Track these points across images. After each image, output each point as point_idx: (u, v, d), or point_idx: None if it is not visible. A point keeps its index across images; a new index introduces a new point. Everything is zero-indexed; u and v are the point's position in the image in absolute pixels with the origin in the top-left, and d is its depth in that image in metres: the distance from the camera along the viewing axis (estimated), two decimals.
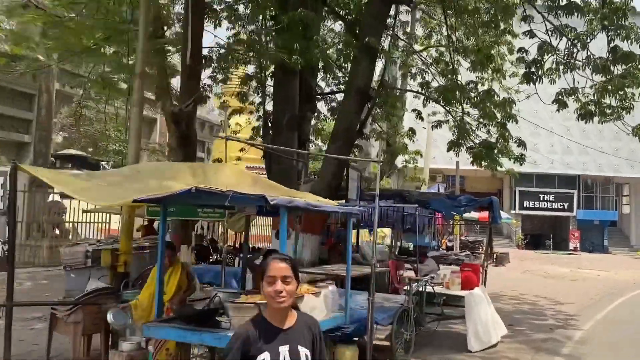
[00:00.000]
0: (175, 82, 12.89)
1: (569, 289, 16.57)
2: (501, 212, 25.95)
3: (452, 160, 37.36)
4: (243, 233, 16.60)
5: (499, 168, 13.36)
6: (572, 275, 21.08)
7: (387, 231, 22.78)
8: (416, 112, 14.41)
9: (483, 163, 12.21)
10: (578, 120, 10.26)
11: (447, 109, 12.99)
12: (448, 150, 13.67)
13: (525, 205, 37.75)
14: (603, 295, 15.21)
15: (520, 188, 37.89)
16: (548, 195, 37.80)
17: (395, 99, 12.96)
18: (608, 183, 39.19)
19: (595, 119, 10.46)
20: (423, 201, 11.93)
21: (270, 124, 12.19)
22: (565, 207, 37.76)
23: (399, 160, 32.17)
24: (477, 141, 13.19)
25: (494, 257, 24.87)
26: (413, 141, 16.81)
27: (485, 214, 24.43)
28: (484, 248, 27.94)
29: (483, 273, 12.47)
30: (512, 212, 37.81)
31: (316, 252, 11.82)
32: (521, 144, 12.94)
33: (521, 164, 13.28)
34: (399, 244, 21.92)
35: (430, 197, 12.00)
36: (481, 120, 12.55)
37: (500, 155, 13.52)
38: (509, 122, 12.54)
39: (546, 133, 37.50)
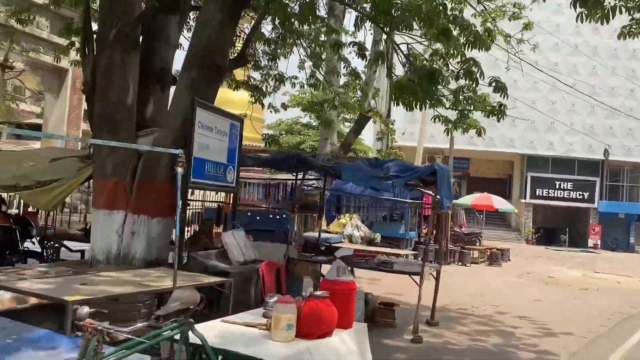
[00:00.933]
0: None
1: (572, 304, 12.07)
2: (503, 200, 21.31)
3: (455, 139, 32.68)
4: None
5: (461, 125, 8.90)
6: (583, 282, 16.49)
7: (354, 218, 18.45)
8: (352, 43, 9.93)
9: (421, 108, 7.72)
10: (589, 21, 5.66)
11: (386, 29, 8.43)
12: (393, 100, 9.15)
13: (537, 194, 32.90)
14: (620, 317, 10.71)
15: (532, 173, 33.02)
16: (565, 183, 32.85)
17: (310, 10, 8.41)
18: (638, 170, 34.02)
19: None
20: (330, 168, 7.58)
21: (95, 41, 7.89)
22: (585, 197, 32.79)
23: (371, 130, 27.68)
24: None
25: (488, 254, 20.35)
26: (363, 91, 12.26)
27: (483, 201, 19.85)
28: (478, 242, 23.41)
29: (424, 282, 8.20)
30: (522, 200, 33.03)
31: (159, 245, 7.59)
32: (499, 87, 8.41)
33: (499, 119, 8.78)
34: (361, 232, 17.63)
35: (343, 162, 7.60)
36: (430, 42, 8.05)
37: (469, 107, 9.08)
38: (476, 48, 7.99)
39: (565, 110, 32.54)
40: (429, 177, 7.24)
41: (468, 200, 20.92)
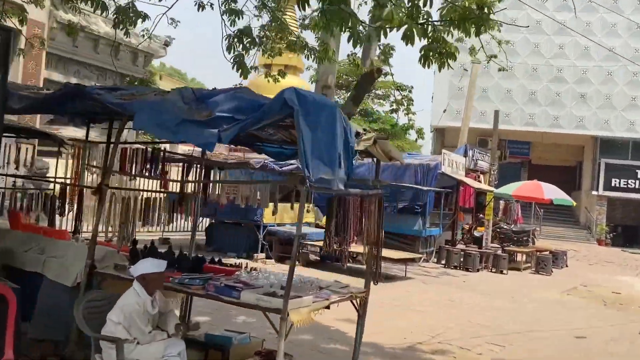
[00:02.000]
0: None
1: (632, 346, 7.90)
2: (557, 189, 16.89)
3: (509, 118, 27.97)
4: None
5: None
6: None
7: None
8: None
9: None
10: None
11: None
12: None
13: (613, 185, 27.40)
14: None
15: (607, 160, 27.57)
16: None
17: None
18: None
19: None
20: (119, 106, 4.09)
21: None
22: None
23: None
24: None
25: (534, 257, 16.03)
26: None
27: (530, 190, 15.62)
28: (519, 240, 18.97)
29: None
30: (594, 193, 27.74)
31: None
32: None
33: (479, 31, 4.95)
34: None
35: (145, 97, 4.09)
36: None
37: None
38: None
39: None
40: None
41: (509, 189, 16.63)
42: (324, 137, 3.59)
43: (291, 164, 12.13)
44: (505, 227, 21.56)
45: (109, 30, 17.02)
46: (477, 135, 28.60)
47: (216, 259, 5.43)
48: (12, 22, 14.61)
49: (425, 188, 14.81)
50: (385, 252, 11.78)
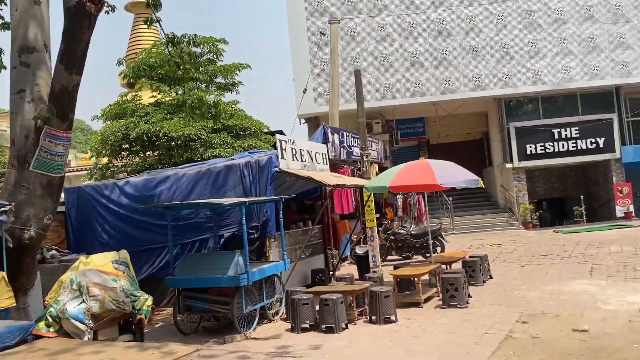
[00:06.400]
0: None
1: None
2: (457, 168, 11.52)
3: (391, 91, 22.78)
4: None
5: None
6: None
7: None
8: None
9: None
10: None
11: None
12: None
13: (529, 152, 22.72)
14: None
15: (516, 123, 22.88)
16: (567, 129, 22.73)
17: None
18: None
19: None
20: None
21: None
22: (601, 144, 22.74)
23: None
24: None
25: (439, 278, 10.37)
26: None
27: (413, 175, 10.47)
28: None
29: None
30: (508, 165, 23.02)
31: None
32: None
33: None
34: None
35: None
36: None
37: None
38: None
39: (551, 20, 22.75)
40: None
41: (385, 179, 10.83)
42: None
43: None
44: (402, 230, 16.04)
45: None
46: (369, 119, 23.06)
47: None
48: None
49: (216, 202, 8.74)
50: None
